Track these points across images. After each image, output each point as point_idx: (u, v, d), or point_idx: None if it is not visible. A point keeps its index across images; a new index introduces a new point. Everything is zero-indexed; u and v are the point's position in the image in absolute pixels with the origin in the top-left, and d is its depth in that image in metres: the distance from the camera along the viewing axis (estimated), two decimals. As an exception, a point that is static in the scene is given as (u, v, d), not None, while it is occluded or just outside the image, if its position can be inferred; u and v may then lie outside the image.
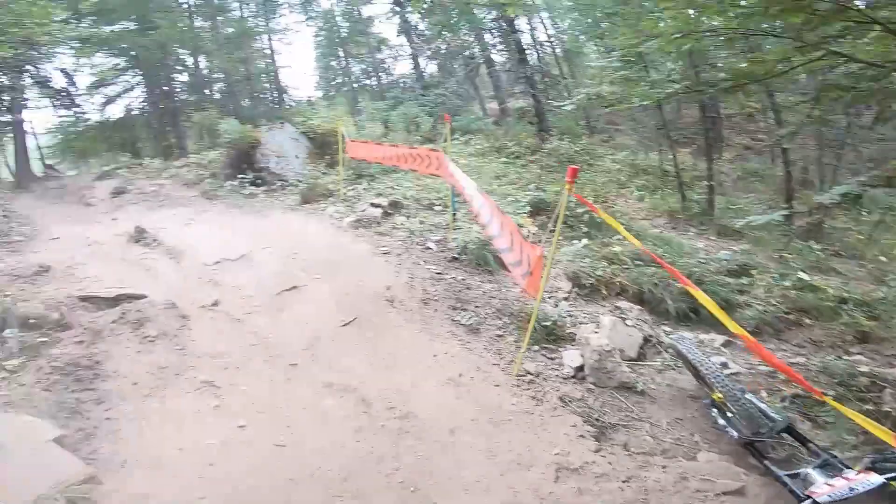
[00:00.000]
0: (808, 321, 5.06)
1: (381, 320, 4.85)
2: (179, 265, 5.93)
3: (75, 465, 3.08)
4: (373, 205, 7.60)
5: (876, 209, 6.29)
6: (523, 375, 4.07)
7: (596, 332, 4.52)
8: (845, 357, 4.43)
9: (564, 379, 4.11)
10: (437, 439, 3.46)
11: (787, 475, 2.82)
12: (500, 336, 4.71)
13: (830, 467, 2.72)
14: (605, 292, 5.53)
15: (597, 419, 3.62)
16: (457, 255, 6.01)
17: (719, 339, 4.90)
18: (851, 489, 2.40)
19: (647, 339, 4.62)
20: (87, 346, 4.09)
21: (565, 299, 5.39)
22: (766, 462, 3.03)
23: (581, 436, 3.35)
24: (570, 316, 5.01)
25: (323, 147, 11.05)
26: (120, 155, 17.21)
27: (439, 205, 7.60)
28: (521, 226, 6.63)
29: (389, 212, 7.49)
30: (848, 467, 2.63)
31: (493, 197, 7.96)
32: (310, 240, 6.63)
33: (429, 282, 5.42)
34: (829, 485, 2.50)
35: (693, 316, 5.23)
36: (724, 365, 4.31)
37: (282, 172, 10.26)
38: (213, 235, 6.92)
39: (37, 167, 15.35)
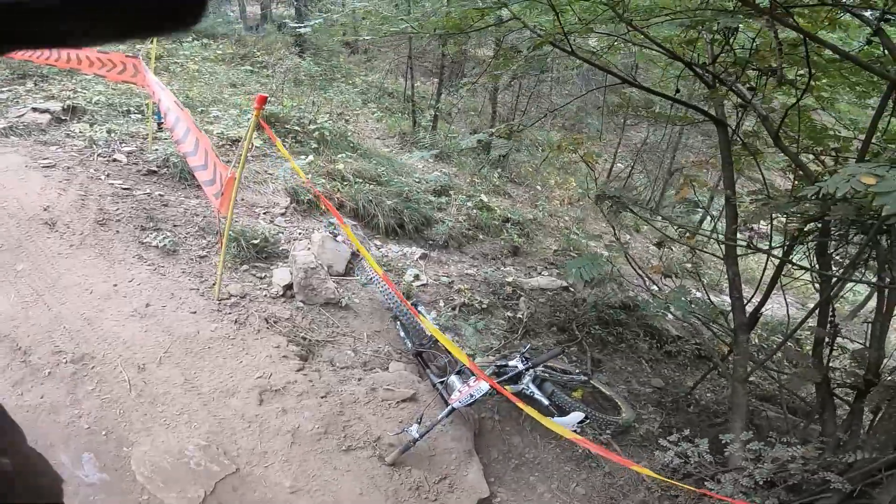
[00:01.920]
0: (481, 236, 6.17)
1: (38, 249, 3.78)
2: None
3: None
4: (36, 110, 5.68)
5: (501, 152, 7.94)
6: (227, 298, 3.76)
7: (308, 249, 4.48)
8: (502, 268, 5.59)
9: (273, 299, 3.98)
10: (124, 379, 2.99)
11: (440, 382, 3.26)
12: (203, 257, 4.18)
13: (465, 374, 3.11)
14: (323, 208, 5.47)
15: (304, 337, 3.65)
16: (156, 168, 5.03)
17: (418, 252, 5.51)
18: (471, 395, 2.96)
19: (354, 255, 4.81)
20: None
21: (282, 215, 5.13)
22: (427, 370, 3.49)
23: (284, 356, 3.34)
24: (286, 232, 4.81)
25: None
26: None
27: (141, 112, 6.01)
28: (241, 139, 5.99)
29: (63, 118, 5.71)
30: (472, 374, 3.02)
31: (221, 105, 6.82)
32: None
33: (109, 199, 4.40)
34: (460, 391, 3.01)
35: (399, 230, 5.71)
36: (417, 277, 4.87)
37: None
38: None
39: None
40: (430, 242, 5.87)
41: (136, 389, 2.93)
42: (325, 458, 2.75)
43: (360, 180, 6.01)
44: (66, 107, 5.80)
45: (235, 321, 3.54)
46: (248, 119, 6.53)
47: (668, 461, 2.77)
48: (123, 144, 5.33)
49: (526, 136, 10.48)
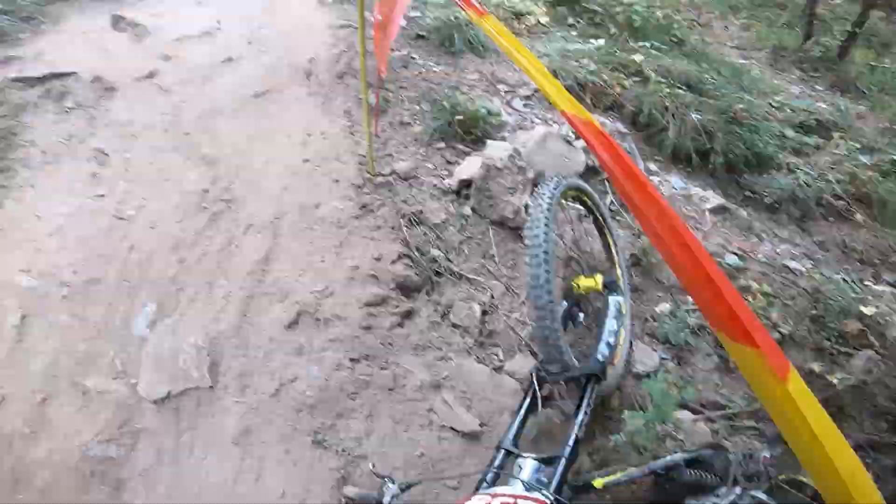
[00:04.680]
0: (859, 217, 3.04)
1: (291, 93, 3.58)
2: (140, 44, 4.46)
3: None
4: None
5: None
6: (387, 175, 2.73)
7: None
8: (864, 284, 2.57)
9: (444, 192, 2.72)
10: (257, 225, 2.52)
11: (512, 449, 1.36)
12: (406, 124, 3.21)
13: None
14: (590, 101, 3.61)
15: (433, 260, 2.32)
16: (423, 34, 4.18)
17: (714, 201, 3.14)
18: None
19: (592, 170, 2.94)
20: (8, 120, 3.20)
21: (526, 98, 3.62)
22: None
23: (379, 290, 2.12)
24: (517, 118, 3.35)
25: None
26: None
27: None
28: (528, 13, 4.58)
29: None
30: None
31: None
32: (278, 16, 4.82)
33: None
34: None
35: (699, 161, 3.35)
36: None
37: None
38: (197, 14, 5.18)
39: None
40: (748, 195, 3.28)
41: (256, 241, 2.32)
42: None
43: (664, 80, 3.70)
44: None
45: (364, 206, 2.50)
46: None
47: None
48: (414, 11, 4.46)
49: None
